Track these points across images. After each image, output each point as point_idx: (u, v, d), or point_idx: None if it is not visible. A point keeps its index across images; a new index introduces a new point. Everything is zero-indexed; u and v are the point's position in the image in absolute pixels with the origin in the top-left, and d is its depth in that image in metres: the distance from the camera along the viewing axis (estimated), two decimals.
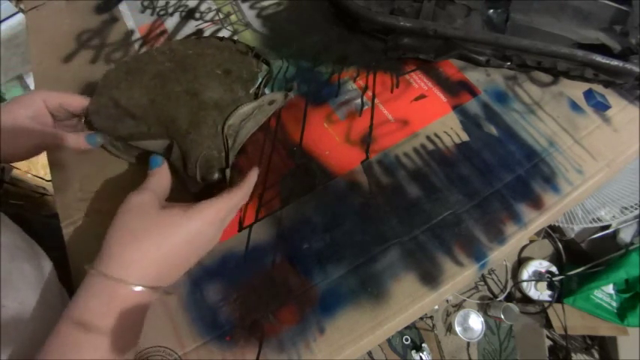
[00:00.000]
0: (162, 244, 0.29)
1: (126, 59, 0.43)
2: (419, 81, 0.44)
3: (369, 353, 0.95)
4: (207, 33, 0.51)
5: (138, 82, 0.40)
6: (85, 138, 0.38)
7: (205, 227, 0.31)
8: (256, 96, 0.41)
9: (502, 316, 0.93)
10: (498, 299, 1.00)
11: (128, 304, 0.28)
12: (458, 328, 0.96)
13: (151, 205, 0.31)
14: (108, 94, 0.40)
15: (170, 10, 0.54)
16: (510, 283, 1.03)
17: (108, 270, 0.28)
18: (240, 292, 0.35)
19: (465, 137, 0.41)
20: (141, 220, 0.30)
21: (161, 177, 0.34)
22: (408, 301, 0.34)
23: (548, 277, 0.98)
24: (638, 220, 0.90)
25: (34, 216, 0.49)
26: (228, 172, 0.37)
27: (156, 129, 0.38)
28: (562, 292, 0.97)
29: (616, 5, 0.43)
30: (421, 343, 0.96)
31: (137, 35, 0.52)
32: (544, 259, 1.02)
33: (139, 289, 0.28)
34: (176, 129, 0.37)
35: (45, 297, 0.34)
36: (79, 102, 0.39)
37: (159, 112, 0.38)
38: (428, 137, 0.41)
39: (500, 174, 0.38)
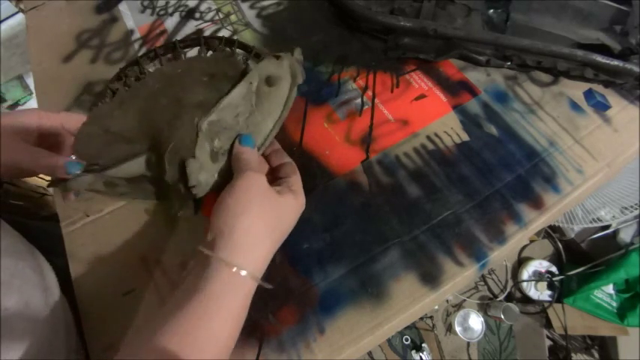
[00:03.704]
0: (276, 229, 0.30)
1: (120, 91, 0.40)
2: (419, 81, 0.44)
3: (369, 353, 0.95)
4: (207, 33, 0.51)
5: (131, 108, 0.37)
6: (66, 164, 0.34)
7: (302, 208, 0.33)
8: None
9: (502, 316, 0.93)
10: (498, 299, 1.00)
11: (244, 292, 0.28)
12: (458, 328, 0.96)
13: (266, 188, 0.30)
14: (98, 123, 0.36)
15: (170, 10, 0.53)
16: (510, 283, 1.02)
17: (230, 256, 0.27)
18: None
19: (465, 137, 0.40)
20: (260, 204, 0.29)
21: (256, 156, 0.33)
22: (408, 301, 0.34)
23: (548, 277, 0.98)
24: (638, 220, 0.90)
25: (31, 221, 0.48)
26: (206, 179, 0.32)
27: (144, 145, 0.35)
28: (562, 292, 0.97)
29: (616, 5, 0.43)
30: (421, 343, 0.96)
31: (137, 35, 0.52)
32: (544, 259, 1.02)
33: (252, 278, 0.28)
34: (162, 140, 0.34)
35: (49, 301, 0.34)
36: (77, 120, 0.36)
37: (147, 129, 0.35)
38: (428, 137, 0.41)
39: (501, 174, 0.38)
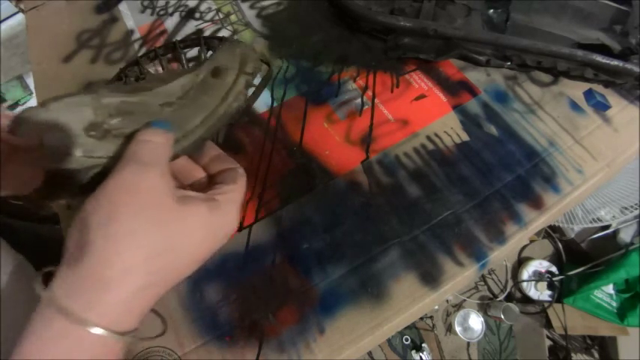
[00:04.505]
0: (162, 255, 0.19)
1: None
2: (419, 81, 0.44)
3: (369, 353, 0.95)
4: (207, 33, 0.51)
5: None
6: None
7: (229, 230, 0.23)
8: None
9: (502, 316, 0.93)
10: (498, 299, 1.00)
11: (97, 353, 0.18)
12: (458, 328, 0.96)
13: (158, 191, 0.20)
14: None
15: (170, 10, 0.53)
16: (510, 283, 1.03)
17: (70, 297, 0.18)
18: (240, 293, 0.35)
19: (465, 137, 0.40)
20: (140, 213, 0.19)
21: (162, 147, 0.23)
22: (408, 301, 0.34)
23: (548, 277, 0.98)
24: (638, 220, 0.90)
25: (25, 224, 0.48)
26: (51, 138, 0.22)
27: None
28: (562, 292, 0.97)
29: (616, 5, 0.43)
30: (421, 343, 0.96)
31: (137, 35, 0.52)
32: (544, 259, 1.02)
33: (109, 335, 0.18)
34: None
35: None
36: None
37: None
38: (428, 137, 0.41)
39: (501, 174, 0.38)
